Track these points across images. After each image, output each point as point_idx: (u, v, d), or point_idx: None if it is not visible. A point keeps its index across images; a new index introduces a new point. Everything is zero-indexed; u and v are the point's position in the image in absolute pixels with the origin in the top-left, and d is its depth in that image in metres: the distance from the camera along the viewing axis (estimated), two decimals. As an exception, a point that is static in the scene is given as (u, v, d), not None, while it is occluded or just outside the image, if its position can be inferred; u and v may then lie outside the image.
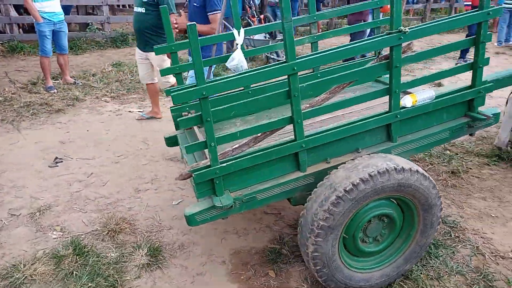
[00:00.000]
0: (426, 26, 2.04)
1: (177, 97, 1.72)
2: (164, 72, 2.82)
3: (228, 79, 1.81)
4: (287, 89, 1.88)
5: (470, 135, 2.46)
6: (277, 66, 1.82)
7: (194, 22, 1.72)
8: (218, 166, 1.90)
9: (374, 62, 2.06)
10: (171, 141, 2.83)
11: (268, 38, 6.61)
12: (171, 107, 2.71)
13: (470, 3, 7.28)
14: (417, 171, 1.93)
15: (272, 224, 2.79)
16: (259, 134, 1.99)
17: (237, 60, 2.66)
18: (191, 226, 2.02)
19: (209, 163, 1.92)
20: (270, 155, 1.97)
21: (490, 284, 2.20)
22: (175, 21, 3.42)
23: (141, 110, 4.96)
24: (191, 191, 2.85)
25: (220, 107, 1.84)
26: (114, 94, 5.53)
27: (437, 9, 12.91)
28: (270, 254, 2.47)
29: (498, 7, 2.11)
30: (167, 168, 3.60)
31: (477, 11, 2.09)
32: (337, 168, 1.97)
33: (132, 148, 3.97)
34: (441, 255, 2.40)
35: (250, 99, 1.90)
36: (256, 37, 6.62)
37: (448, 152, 3.69)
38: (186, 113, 2.73)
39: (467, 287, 2.20)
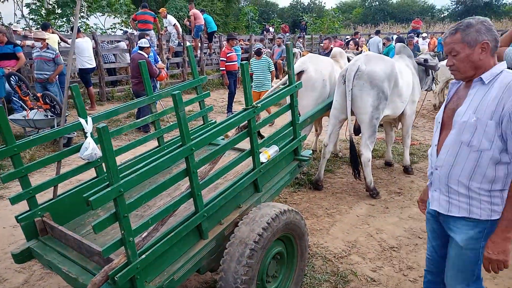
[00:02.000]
0: (268, 100, 2.65)
1: (97, 201, 1.63)
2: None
3: (141, 171, 1.83)
4: (185, 168, 2.07)
5: (300, 173, 3.22)
6: (178, 150, 1.99)
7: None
8: (139, 259, 1.85)
9: (236, 132, 2.50)
10: (23, 256, 2.36)
11: (51, 116, 6.07)
12: (18, 216, 2.32)
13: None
14: (292, 209, 2.46)
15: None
16: (164, 217, 2.06)
17: (91, 149, 2.56)
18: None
19: (124, 261, 1.84)
20: (182, 232, 2.06)
21: (346, 279, 2.94)
22: None
23: None
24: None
25: (132, 200, 1.83)
26: None
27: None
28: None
29: (299, 82, 2.96)
30: None
31: (288, 86, 2.87)
32: (238, 225, 2.26)
33: None
34: (307, 272, 2.99)
35: (155, 185, 1.96)
36: (36, 116, 5.97)
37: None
38: (40, 219, 2.39)
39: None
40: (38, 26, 12.30)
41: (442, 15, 46.48)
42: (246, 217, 2.30)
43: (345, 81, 4.00)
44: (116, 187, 1.68)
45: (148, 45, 6.56)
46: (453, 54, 1.78)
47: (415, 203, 4.26)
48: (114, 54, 11.22)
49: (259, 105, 2.45)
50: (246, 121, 2.45)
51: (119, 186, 1.69)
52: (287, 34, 20.05)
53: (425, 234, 3.60)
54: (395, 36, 18.19)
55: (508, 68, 3.19)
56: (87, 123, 2.62)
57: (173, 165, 2.31)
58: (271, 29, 21.59)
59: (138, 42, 6.67)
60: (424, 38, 15.49)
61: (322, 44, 9.66)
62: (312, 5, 48.83)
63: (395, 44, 8.83)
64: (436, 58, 5.18)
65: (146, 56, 6.60)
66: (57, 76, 6.86)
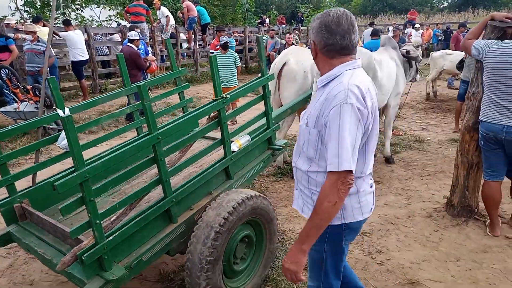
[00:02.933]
0: (238, 91, 2.76)
1: (63, 185, 1.75)
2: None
3: (106, 158, 1.95)
4: (152, 155, 2.18)
5: (274, 161, 3.34)
6: (145, 138, 2.11)
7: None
8: (106, 241, 1.98)
9: (207, 122, 2.61)
10: (3, 240, 2.50)
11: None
12: (-4, 201, 2.44)
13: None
14: (259, 195, 2.58)
15: (139, 286, 2.86)
16: (133, 202, 2.18)
17: (68, 139, 2.66)
18: (87, 310, 1.96)
19: (92, 242, 1.97)
20: (149, 216, 2.19)
21: (316, 261, 3.07)
22: None
23: None
24: None
25: (99, 185, 1.95)
26: None
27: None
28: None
29: (271, 74, 3.06)
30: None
31: (259, 78, 2.98)
32: (206, 210, 2.38)
33: None
34: (280, 255, 3.13)
35: (122, 172, 2.09)
36: (27, 108, 6.08)
37: (248, 179, 4.63)
38: (19, 205, 2.52)
39: (304, 271, 2.97)
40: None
41: (442, 6, 46.24)
42: (214, 202, 2.42)
43: (322, 73, 4.09)
44: (81, 172, 1.80)
45: (138, 38, 6.64)
46: None
47: (392, 191, 4.39)
48: (108, 47, 11.29)
49: (228, 96, 2.56)
50: (216, 112, 2.56)
51: (84, 172, 1.81)
52: (284, 25, 20.03)
53: (398, 220, 3.75)
54: (391, 28, 18.24)
55: (477, 60, 3.29)
56: (64, 113, 2.72)
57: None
58: (267, 21, 21.57)
59: (128, 34, 6.74)
60: (417, 30, 15.49)
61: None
62: (311, -4, 48.62)
63: (375, 36, 8.91)
64: (420, 49, 5.26)
65: (136, 48, 6.68)
66: (48, 69, 6.94)
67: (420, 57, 5.22)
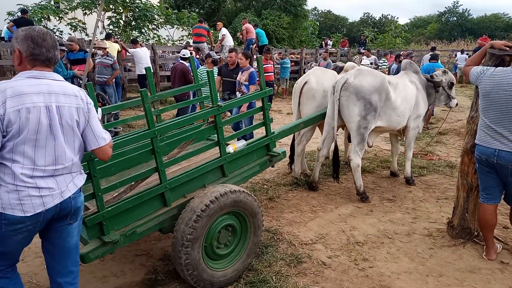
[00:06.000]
0: (231, 102, 3.23)
1: (73, 160, 2.33)
2: None
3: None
4: (151, 147, 2.71)
5: (272, 166, 3.73)
6: (143, 132, 2.65)
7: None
8: (105, 210, 2.52)
9: (205, 126, 3.11)
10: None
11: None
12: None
13: None
14: (243, 191, 2.98)
15: (144, 262, 3.38)
16: (133, 183, 2.72)
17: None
18: (87, 263, 2.51)
19: (96, 210, 2.52)
20: (144, 196, 2.71)
21: (300, 260, 3.36)
22: None
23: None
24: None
25: (103, 165, 2.52)
26: None
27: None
28: (148, 282, 3.07)
29: (269, 89, 3.49)
30: None
31: (259, 91, 3.41)
32: (194, 198, 2.85)
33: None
34: (270, 252, 3.46)
35: (125, 157, 2.64)
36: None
37: (265, 186, 5.03)
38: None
39: (287, 266, 3.29)
40: (118, 37, 14.15)
41: (527, 33, 42.73)
42: (201, 192, 2.88)
43: (334, 92, 4.41)
44: (88, 152, 2.37)
45: (189, 56, 7.44)
46: None
47: (402, 209, 4.49)
48: (173, 63, 12.48)
49: (222, 105, 3.03)
50: (214, 116, 3.05)
51: (90, 152, 2.38)
52: (346, 48, 20.24)
53: (396, 235, 3.87)
54: (459, 54, 17.65)
55: (476, 86, 3.41)
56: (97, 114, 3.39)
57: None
58: (330, 43, 21.91)
59: (180, 52, 7.59)
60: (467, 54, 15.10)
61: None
62: (383, 20, 47.97)
63: (433, 60, 8.85)
64: (447, 75, 5.31)
65: (187, 65, 7.48)
66: (114, 80, 8.03)
67: (448, 83, 5.23)
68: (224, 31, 12.55)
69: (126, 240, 2.64)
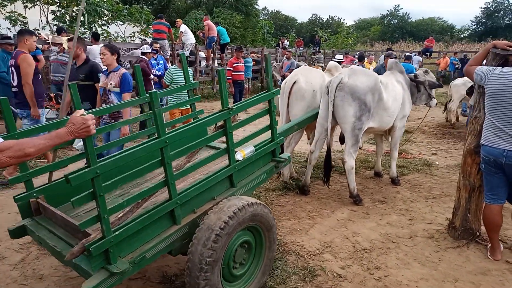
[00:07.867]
0: (242, 104, 2.93)
1: (75, 179, 1.91)
2: None
3: (117, 157, 2.12)
4: (160, 158, 2.34)
5: (277, 173, 3.47)
6: (153, 142, 2.27)
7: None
8: (112, 235, 2.12)
9: (214, 131, 2.77)
10: (18, 232, 2.67)
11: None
12: (15, 196, 2.62)
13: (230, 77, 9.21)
14: (260, 203, 2.70)
15: (142, 287, 2.97)
16: (139, 200, 2.33)
17: (85, 141, 2.85)
18: (91, 301, 2.09)
19: (100, 236, 2.11)
20: (154, 215, 2.33)
21: (314, 274, 3.14)
22: None
23: None
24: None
25: (110, 182, 2.11)
26: None
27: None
28: (152, 311, 2.69)
29: (276, 89, 3.23)
30: None
31: (266, 92, 3.14)
32: (208, 214, 2.51)
33: None
34: (279, 265, 3.21)
35: (132, 171, 2.24)
36: (48, 115, 6.39)
37: (255, 192, 4.75)
38: (35, 200, 2.69)
39: (302, 281, 3.05)
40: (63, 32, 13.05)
41: (462, 35, 46.23)
42: (216, 206, 2.55)
43: (328, 92, 4.24)
44: (93, 168, 1.97)
45: (149, 51, 7.02)
46: None
47: (396, 211, 4.43)
48: (129, 61, 11.74)
49: (234, 107, 2.72)
50: (223, 121, 2.73)
51: (95, 168, 1.97)
52: (301, 48, 20.43)
53: (399, 239, 3.78)
54: (412, 54, 18.57)
55: (479, 86, 3.39)
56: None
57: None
58: (286, 43, 22.01)
59: (140, 48, 7.13)
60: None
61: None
62: (330, 21, 49.46)
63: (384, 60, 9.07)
64: (428, 74, 5.37)
65: (147, 60, 7.04)
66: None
67: (431, 82, 5.28)
68: (184, 27, 12.04)
69: (135, 268, 2.25)
